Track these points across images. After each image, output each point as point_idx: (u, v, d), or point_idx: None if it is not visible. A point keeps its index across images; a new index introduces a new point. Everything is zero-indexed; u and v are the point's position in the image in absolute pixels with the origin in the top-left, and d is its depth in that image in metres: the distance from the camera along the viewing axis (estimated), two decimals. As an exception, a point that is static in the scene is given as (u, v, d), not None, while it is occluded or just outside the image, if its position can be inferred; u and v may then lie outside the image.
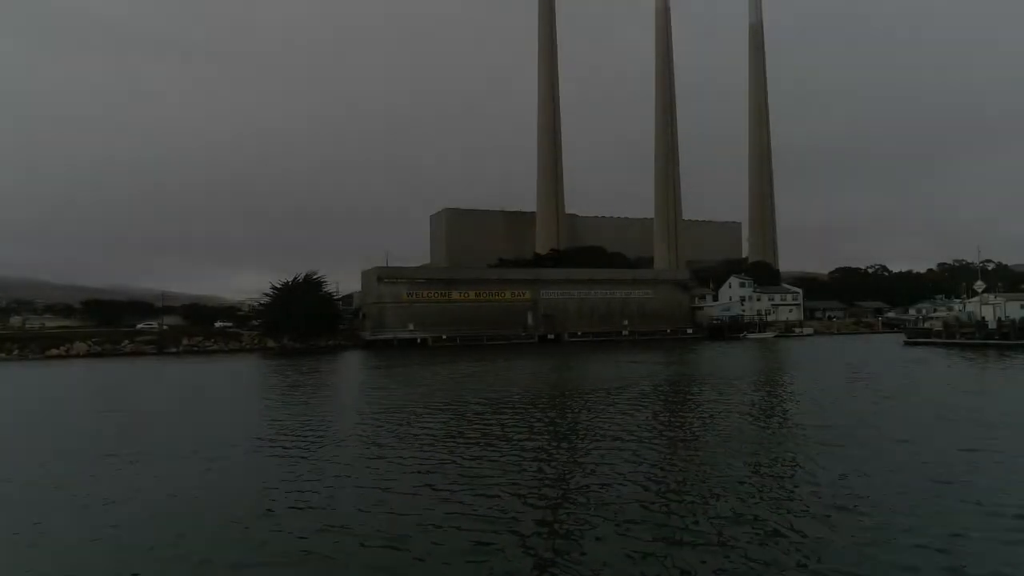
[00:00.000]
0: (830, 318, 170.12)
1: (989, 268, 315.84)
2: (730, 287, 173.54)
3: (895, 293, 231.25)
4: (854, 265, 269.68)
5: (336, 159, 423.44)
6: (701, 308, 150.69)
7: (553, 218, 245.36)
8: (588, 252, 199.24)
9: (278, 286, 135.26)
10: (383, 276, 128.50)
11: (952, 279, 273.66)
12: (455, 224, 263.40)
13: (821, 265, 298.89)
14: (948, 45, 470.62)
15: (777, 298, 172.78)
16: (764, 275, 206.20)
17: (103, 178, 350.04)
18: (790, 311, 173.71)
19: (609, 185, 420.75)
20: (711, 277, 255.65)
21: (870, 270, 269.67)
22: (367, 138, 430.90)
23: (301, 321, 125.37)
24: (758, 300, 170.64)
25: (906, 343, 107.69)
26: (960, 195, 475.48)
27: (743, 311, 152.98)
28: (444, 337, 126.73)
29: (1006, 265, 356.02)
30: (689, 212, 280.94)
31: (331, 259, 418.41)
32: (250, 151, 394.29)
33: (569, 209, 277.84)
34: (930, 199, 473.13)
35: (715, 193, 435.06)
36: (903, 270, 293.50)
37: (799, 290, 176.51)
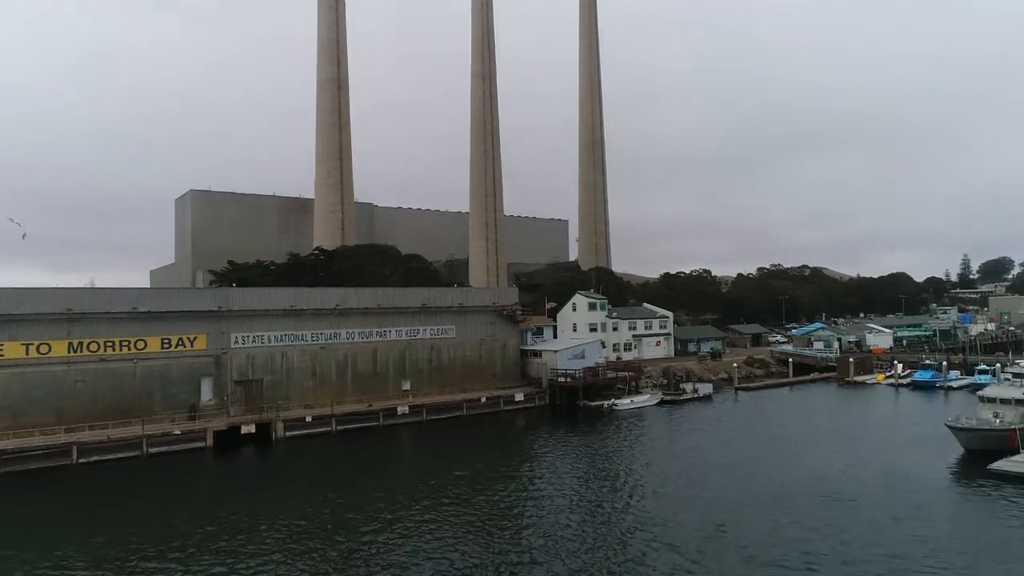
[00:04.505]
0: (711, 353, 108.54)
1: (806, 273, 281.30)
2: (575, 309, 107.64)
3: (743, 306, 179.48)
4: (667, 269, 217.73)
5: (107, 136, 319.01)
6: (538, 354, 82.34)
7: (336, 206, 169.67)
8: (369, 253, 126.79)
9: None
10: None
11: (804, 286, 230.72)
12: (207, 212, 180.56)
13: (633, 269, 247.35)
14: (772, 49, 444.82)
15: (641, 326, 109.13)
16: (609, 287, 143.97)
17: None
18: (658, 344, 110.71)
19: (425, 176, 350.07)
20: (539, 284, 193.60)
21: (694, 274, 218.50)
22: (138, 114, 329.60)
23: None
24: (615, 329, 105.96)
25: (991, 471, 44.80)
26: (762, 202, 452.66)
27: (603, 357, 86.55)
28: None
29: (821, 269, 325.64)
30: (514, 210, 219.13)
31: (101, 255, 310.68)
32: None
33: (366, 198, 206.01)
34: (736, 205, 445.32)
35: (541, 191, 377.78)
36: (724, 275, 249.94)
37: (669, 314, 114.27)
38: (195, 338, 62.00)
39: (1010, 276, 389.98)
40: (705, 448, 55.61)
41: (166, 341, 60.71)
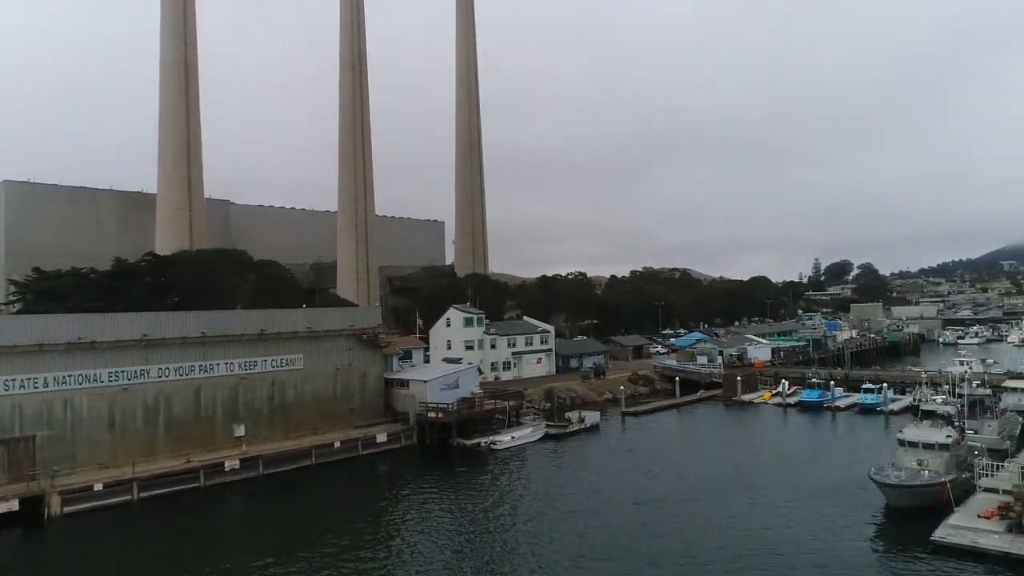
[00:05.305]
0: (595, 370, 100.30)
1: (676, 276, 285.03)
2: (449, 325, 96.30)
3: (620, 310, 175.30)
4: (543, 270, 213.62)
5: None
6: (404, 384, 69.91)
7: (183, 203, 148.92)
8: (214, 258, 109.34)
9: None
10: None
11: (678, 290, 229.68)
12: (25, 207, 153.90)
13: (511, 270, 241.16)
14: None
15: (521, 342, 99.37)
16: (487, 295, 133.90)
17: None
18: (539, 361, 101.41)
19: (291, 173, 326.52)
20: (413, 288, 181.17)
21: (571, 277, 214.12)
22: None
23: None
24: (493, 347, 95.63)
25: (935, 543, 37.17)
26: (633, 205, 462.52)
27: (480, 386, 75.17)
28: None
29: (687, 270, 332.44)
30: (387, 210, 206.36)
31: None
32: None
33: (222, 195, 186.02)
34: (609, 207, 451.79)
35: (416, 191, 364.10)
36: (598, 275, 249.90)
37: (550, 328, 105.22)
38: (-72, 386, 45.00)
39: (850, 277, 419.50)
40: (598, 507, 45.72)
41: None
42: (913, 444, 46.04)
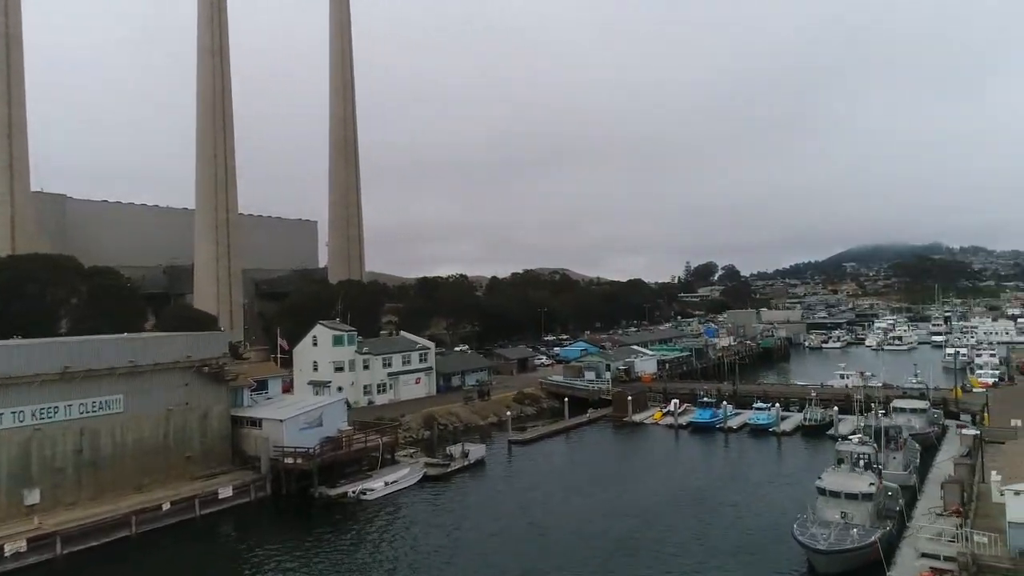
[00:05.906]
0: (478, 388, 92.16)
1: (556, 278, 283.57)
2: (316, 344, 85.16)
3: (502, 315, 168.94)
4: (423, 271, 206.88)
5: None
6: (256, 423, 58.42)
7: (3, 197, 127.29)
8: (33, 267, 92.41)
9: None
10: None
11: (559, 294, 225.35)
12: None
13: (389, 270, 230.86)
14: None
15: (398, 361, 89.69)
16: (363, 303, 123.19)
17: None
18: (417, 381, 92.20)
19: (141, 164, 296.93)
20: (283, 293, 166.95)
21: (451, 279, 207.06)
22: None
23: None
24: (367, 367, 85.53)
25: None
26: (514, 207, 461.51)
27: (347, 422, 64.61)
28: None
29: (565, 270, 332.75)
30: (254, 208, 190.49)
31: None
32: None
33: (56, 188, 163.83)
34: (489, 208, 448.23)
35: (287, 189, 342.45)
36: (478, 276, 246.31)
37: (431, 345, 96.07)
38: None
39: (715, 278, 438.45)
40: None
41: None
42: (835, 494, 41.18)
